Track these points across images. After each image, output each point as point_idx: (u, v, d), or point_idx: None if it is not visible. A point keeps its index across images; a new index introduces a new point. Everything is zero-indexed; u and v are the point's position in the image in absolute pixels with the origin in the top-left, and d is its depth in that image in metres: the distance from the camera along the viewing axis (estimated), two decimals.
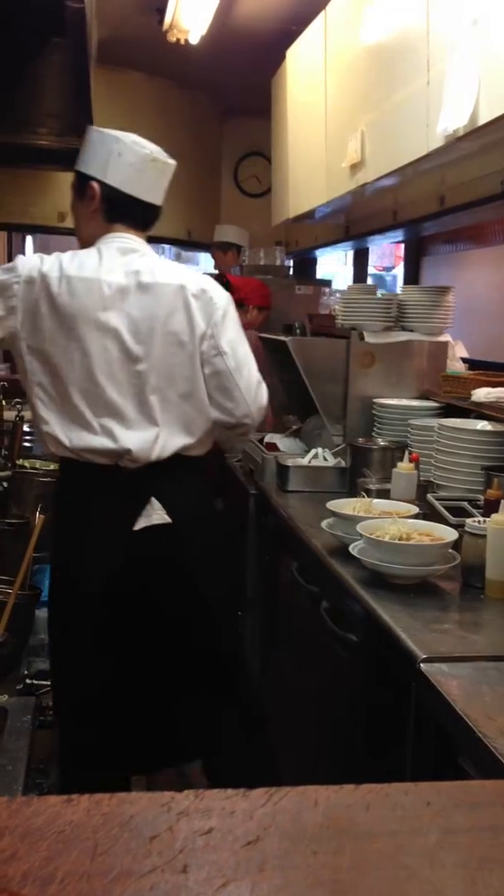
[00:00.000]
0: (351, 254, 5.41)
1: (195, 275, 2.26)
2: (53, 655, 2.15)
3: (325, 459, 3.02)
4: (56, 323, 2.09)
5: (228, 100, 5.22)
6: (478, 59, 1.95)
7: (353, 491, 2.72)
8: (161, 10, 3.73)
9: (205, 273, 2.94)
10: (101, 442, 2.10)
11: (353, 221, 4.04)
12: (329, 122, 3.26)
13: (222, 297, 2.20)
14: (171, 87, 5.12)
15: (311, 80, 3.52)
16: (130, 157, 2.15)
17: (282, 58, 3.97)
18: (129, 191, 2.16)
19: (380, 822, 0.76)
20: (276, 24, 3.92)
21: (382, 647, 1.74)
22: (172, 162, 2.23)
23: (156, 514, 2.15)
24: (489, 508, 2.07)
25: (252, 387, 2.24)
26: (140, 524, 2.13)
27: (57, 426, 2.13)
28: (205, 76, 4.80)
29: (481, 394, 2.64)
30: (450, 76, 2.09)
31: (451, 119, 2.06)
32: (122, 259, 2.14)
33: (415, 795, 0.81)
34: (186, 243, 5.39)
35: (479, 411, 2.66)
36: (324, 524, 2.28)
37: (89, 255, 2.17)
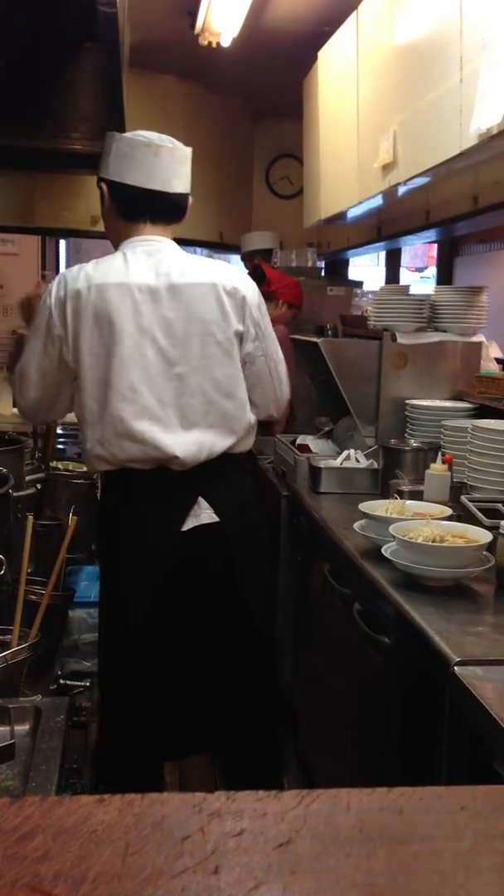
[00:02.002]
0: (383, 255, 5.38)
1: (226, 270, 2.24)
2: (102, 656, 2.14)
3: (358, 461, 3.01)
4: (94, 333, 2.07)
5: (260, 102, 5.22)
6: None
7: (385, 492, 2.70)
8: (193, 14, 3.74)
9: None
10: (144, 451, 2.09)
11: (385, 222, 4.02)
12: (361, 122, 3.25)
13: (254, 293, 2.20)
14: (202, 90, 5.13)
15: (342, 80, 3.51)
16: (126, 148, 2.15)
17: (313, 59, 3.96)
18: (131, 181, 2.14)
19: (413, 826, 0.75)
20: (308, 26, 3.91)
21: (415, 650, 1.73)
22: (175, 145, 2.18)
23: (204, 514, 2.16)
24: None
25: (283, 385, 2.29)
26: (189, 524, 2.14)
27: (100, 442, 2.11)
28: (236, 79, 4.80)
29: None
30: (483, 74, 2.07)
31: (485, 117, 2.04)
32: (149, 261, 2.12)
33: (449, 799, 0.80)
34: (218, 245, 5.39)
35: None
36: (356, 526, 2.27)
37: (114, 259, 2.15)
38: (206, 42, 3.84)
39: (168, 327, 2.08)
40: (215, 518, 2.15)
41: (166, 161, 2.14)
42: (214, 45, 3.86)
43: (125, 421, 2.07)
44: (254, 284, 2.24)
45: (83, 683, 1.92)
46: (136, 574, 2.15)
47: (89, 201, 4.80)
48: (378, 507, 2.32)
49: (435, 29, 2.45)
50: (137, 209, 2.18)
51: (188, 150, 2.22)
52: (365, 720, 2.17)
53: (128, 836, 0.71)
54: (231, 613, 2.23)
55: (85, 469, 2.99)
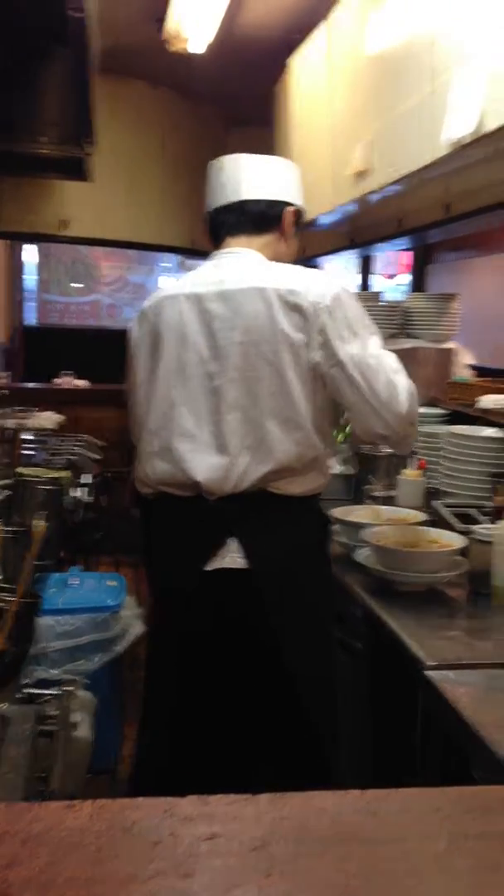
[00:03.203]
0: (356, 262, 5.41)
1: (291, 273, 1.91)
2: (145, 681, 2.03)
3: (331, 467, 3.01)
4: (148, 349, 1.96)
5: (232, 109, 5.23)
6: (483, 68, 1.95)
7: (359, 498, 2.70)
8: (163, 20, 3.73)
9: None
10: (173, 473, 1.88)
11: (358, 229, 4.03)
12: (334, 130, 3.26)
13: (324, 295, 1.85)
14: (174, 97, 5.13)
15: (315, 88, 3.52)
16: (207, 179, 2.09)
17: (285, 66, 3.97)
18: (209, 207, 2.06)
19: (387, 828, 0.74)
20: (280, 33, 3.92)
21: (389, 655, 1.73)
22: (241, 155, 2.04)
23: (229, 557, 1.84)
24: (497, 515, 2.06)
25: (378, 394, 1.85)
26: (212, 564, 1.84)
27: (139, 461, 1.97)
28: (208, 86, 4.81)
29: (488, 401, 2.63)
30: (455, 84, 2.09)
31: (457, 127, 2.05)
32: (213, 270, 1.97)
33: (423, 801, 0.79)
34: (190, 251, 5.39)
35: (486, 418, 2.65)
36: None
37: (190, 273, 2.04)
38: (175, 48, 3.84)
39: (211, 337, 1.88)
40: (240, 563, 1.83)
41: (230, 171, 2.02)
42: (184, 51, 3.86)
43: (160, 437, 1.91)
44: (336, 288, 1.88)
45: (51, 692, 1.89)
46: (163, 609, 1.97)
47: (58, 205, 4.79)
48: (352, 512, 2.32)
49: (406, 40, 2.47)
50: (216, 228, 2.04)
51: (269, 157, 2.09)
52: (339, 724, 2.17)
53: (98, 841, 0.69)
54: (265, 679, 1.87)
55: (53, 475, 2.97)
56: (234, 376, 1.85)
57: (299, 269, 1.93)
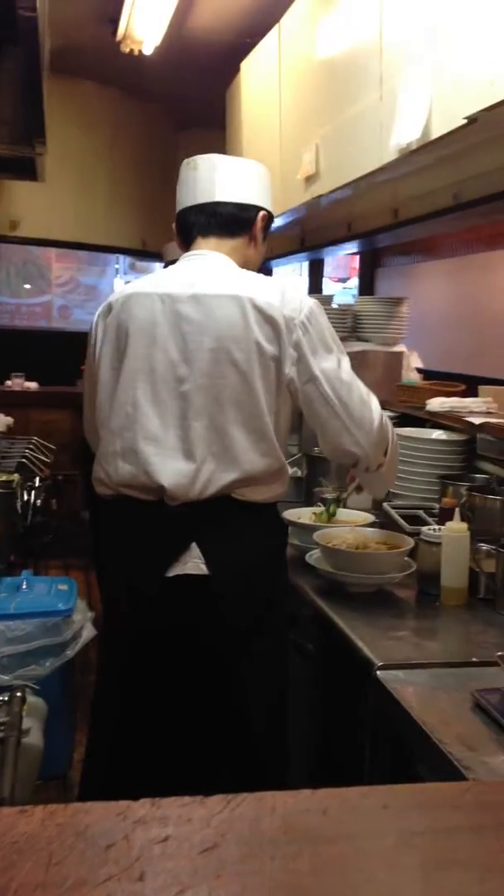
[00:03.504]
0: (306, 265, 5.44)
1: (266, 284, 1.91)
2: (98, 680, 2.01)
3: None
4: (112, 346, 1.92)
5: (183, 111, 5.22)
6: (430, 75, 1.98)
7: (309, 500, 2.72)
8: (115, 21, 3.72)
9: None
10: (135, 475, 1.85)
11: (308, 233, 4.06)
12: (284, 134, 3.29)
13: (299, 310, 1.86)
14: (125, 98, 5.12)
15: (265, 92, 3.54)
16: (179, 176, 2.06)
17: (237, 70, 3.99)
18: (181, 206, 2.03)
19: (337, 826, 0.76)
20: (231, 37, 3.94)
21: (339, 655, 1.75)
22: (218, 157, 2.03)
23: (191, 563, 1.82)
24: (444, 517, 2.09)
25: (351, 412, 1.88)
26: (173, 570, 1.82)
27: (99, 461, 1.92)
28: (159, 87, 4.80)
29: (436, 403, 2.67)
30: (402, 91, 2.12)
31: (404, 133, 2.08)
32: (185, 271, 1.95)
33: (372, 799, 0.81)
34: (141, 253, 5.38)
35: (434, 420, 2.69)
36: None
37: (158, 272, 2.03)
38: (128, 49, 3.83)
39: (182, 340, 1.85)
40: (203, 570, 1.82)
41: (205, 172, 2.00)
42: (136, 52, 3.85)
43: (122, 438, 1.87)
44: (309, 303, 1.89)
45: (1, 697, 1.87)
46: (120, 613, 1.94)
47: (7, 205, 4.74)
48: (302, 514, 2.34)
49: (356, 45, 2.50)
50: (186, 228, 2.01)
51: (243, 160, 2.07)
52: (290, 725, 2.18)
53: (51, 846, 0.69)
54: (218, 680, 1.87)
55: (3, 478, 2.94)
56: (202, 382, 1.83)
57: (273, 279, 1.96)
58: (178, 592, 1.82)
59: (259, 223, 2.01)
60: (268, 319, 1.83)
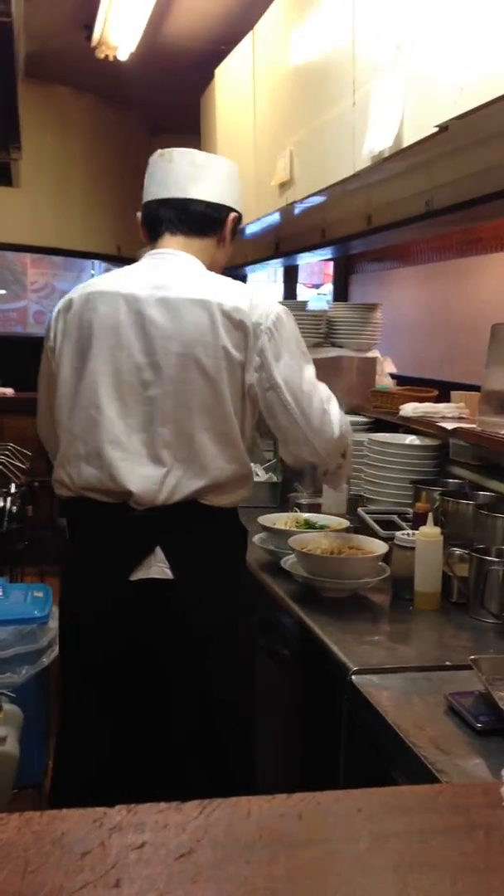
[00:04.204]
0: (281, 271, 5.46)
1: (234, 289, 1.88)
2: (62, 690, 1.97)
3: (257, 474, 3.03)
4: (76, 345, 1.87)
5: (158, 117, 5.23)
6: (402, 83, 2.00)
7: (284, 505, 2.73)
8: (89, 27, 3.72)
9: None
10: (100, 479, 1.82)
11: (282, 239, 4.08)
12: (258, 140, 3.30)
13: (264, 317, 1.83)
14: (100, 104, 5.11)
15: (239, 99, 3.56)
16: (149, 167, 2.01)
17: (211, 77, 4.00)
18: (149, 197, 1.98)
19: (312, 830, 0.76)
20: (205, 44, 3.95)
21: (314, 660, 1.75)
22: (195, 152, 1.98)
23: (156, 567, 1.81)
24: (418, 521, 2.11)
25: (310, 421, 1.88)
26: (137, 574, 1.81)
27: (61, 464, 1.88)
28: (134, 93, 4.81)
29: (409, 409, 2.69)
30: (375, 98, 2.14)
31: (377, 140, 2.10)
32: (151, 272, 1.90)
33: (346, 802, 0.82)
34: (116, 258, 5.37)
35: (408, 426, 2.71)
36: (255, 539, 2.29)
37: (122, 269, 1.97)
38: (102, 55, 3.83)
39: (147, 344, 1.81)
40: (168, 574, 1.81)
41: (181, 167, 1.95)
42: (111, 58, 3.85)
43: (85, 442, 1.83)
44: (275, 309, 1.87)
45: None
46: (80, 611, 1.91)
47: None
48: (277, 519, 2.35)
49: (328, 53, 2.52)
50: (154, 221, 1.96)
51: (217, 158, 2.03)
52: (265, 729, 2.19)
53: (27, 853, 0.70)
54: (179, 686, 1.86)
55: None
56: (169, 388, 1.80)
57: (241, 284, 1.93)
58: (143, 597, 1.81)
59: (229, 224, 1.99)
60: (236, 325, 1.81)
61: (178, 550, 1.82)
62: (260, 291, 1.95)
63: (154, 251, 1.95)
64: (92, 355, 1.83)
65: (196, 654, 1.84)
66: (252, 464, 2.88)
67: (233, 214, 1.99)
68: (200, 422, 1.81)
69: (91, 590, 1.87)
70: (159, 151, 1.98)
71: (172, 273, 1.88)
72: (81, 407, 1.84)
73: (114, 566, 1.83)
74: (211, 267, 1.96)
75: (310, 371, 1.91)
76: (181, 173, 1.94)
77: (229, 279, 1.94)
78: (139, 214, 2.01)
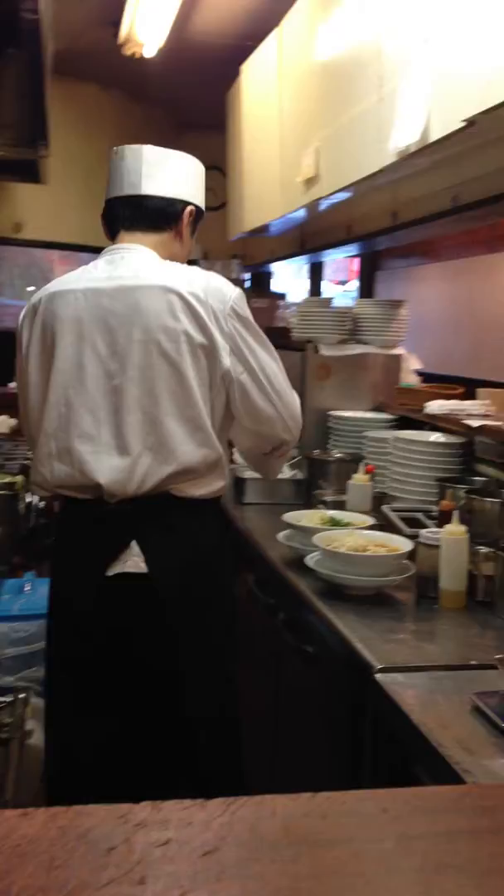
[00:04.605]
0: (307, 267, 5.45)
1: (193, 275, 1.91)
2: (46, 684, 2.01)
3: (282, 472, 3.03)
4: (40, 347, 1.91)
5: (184, 114, 5.23)
6: (429, 77, 1.99)
7: (309, 503, 2.73)
8: (117, 24, 3.73)
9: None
10: (71, 475, 1.85)
11: (308, 235, 4.07)
12: (284, 137, 3.29)
13: (226, 300, 1.87)
14: (126, 101, 5.12)
15: (265, 95, 3.55)
16: (109, 166, 2.04)
17: (237, 73, 3.99)
18: (108, 195, 2.02)
19: (337, 830, 0.76)
20: (232, 40, 3.94)
21: (338, 658, 1.75)
22: (144, 147, 2.00)
23: (131, 561, 1.84)
24: (443, 519, 2.09)
25: (284, 400, 1.93)
26: (114, 569, 1.83)
27: (35, 465, 1.93)
28: (161, 90, 4.81)
29: (434, 406, 2.67)
30: (402, 93, 2.13)
31: (403, 136, 2.09)
32: (106, 266, 1.93)
33: (371, 802, 0.81)
34: None
35: (433, 423, 2.70)
36: (280, 536, 2.29)
37: (81, 267, 1.99)
38: (130, 52, 3.83)
39: (109, 334, 1.84)
40: (142, 568, 1.82)
41: (131, 162, 1.97)
42: (138, 55, 3.86)
43: (57, 439, 1.86)
44: (234, 292, 1.90)
45: (5, 699, 1.88)
46: (61, 614, 1.95)
47: (11, 208, 4.74)
48: (302, 517, 2.34)
49: (355, 48, 2.50)
50: (111, 219, 2.01)
51: (172, 153, 2.02)
52: (289, 728, 2.19)
53: (52, 849, 0.70)
54: (155, 681, 1.88)
55: (7, 480, 2.95)
56: (133, 375, 1.82)
57: (197, 269, 1.95)
58: (118, 591, 1.83)
59: (185, 218, 2.01)
60: (193, 309, 1.83)
61: (152, 544, 1.84)
62: (216, 275, 1.96)
63: (111, 247, 1.99)
64: (57, 354, 1.86)
65: (169, 650, 1.86)
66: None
67: (189, 208, 2.01)
68: (167, 407, 1.82)
69: (72, 586, 1.90)
70: (114, 149, 2.02)
71: (129, 264, 1.91)
72: (52, 406, 1.87)
73: (92, 561, 1.85)
74: (170, 260, 1.98)
75: (272, 350, 1.95)
76: (133, 171, 1.97)
77: (186, 266, 1.96)
78: (101, 216, 2.05)
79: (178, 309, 1.82)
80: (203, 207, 2.08)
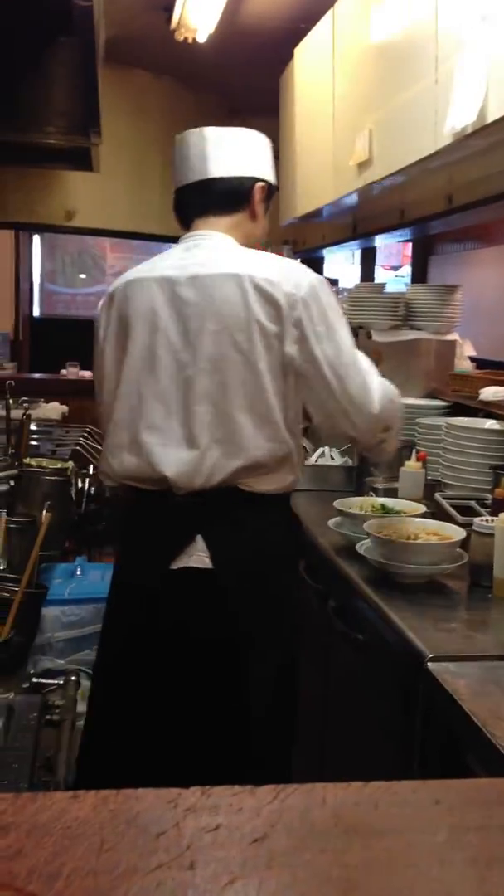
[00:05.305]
0: (359, 253, 5.40)
1: (267, 262, 1.85)
2: (95, 671, 1.99)
3: (332, 458, 3.02)
4: (115, 336, 1.89)
5: (237, 99, 5.21)
6: (486, 57, 1.94)
7: (360, 490, 2.71)
8: (169, 9, 3.72)
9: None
10: (140, 467, 1.82)
11: (360, 220, 4.03)
12: (336, 120, 3.26)
13: (299, 286, 1.79)
14: (178, 87, 5.12)
15: (318, 78, 3.51)
16: (173, 156, 1.99)
17: (290, 56, 3.96)
18: (175, 185, 1.98)
19: (388, 820, 0.75)
20: (285, 23, 3.91)
21: (389, 646, 1.74)
22: (206, 128, 1.93)
23: (196, 556, 1.80)
24: (497, 507, 2.06)
25: (349, 394, 1.81)
26: (178, 563, 1.80)
27: (105, 455, 1.91)
28: (212, 75, 4.79)
29: (489, 393, 2.63)
30: (458, 74, 2.08)
31: (460, 117, 2.05)
32: (183, 254, 1.89)
33: (423, 793, 0.80)
34: None
35: (487, 410, 2.66)
36: (331, 523, 2.27)
37: (158, 256, 1.96)
38: (182, 37, 3.83)
39: (183, 324, 1.80)
40: (207, 563, 1.79)
41: (195, 147, 1.91)
42: (191, 40, 3.85)
43: (128, 430, 1.84)
44: (313, 279, 1.83)
45: (56, 681, 1.90)
46: (121, 606, 1.93)
47: (63, 196, 4.79)
48: (353, 504, 2.33)
49: (410, 29, 2.46)
50: (183, 208, 1.96)
51: (232, 130, 1.95)
52: (339, 716, 2.18)
53: (102, 832, 0.70)
54: (216, 678, 1.83)
55: (59, 466, 2.98)
56: (205, 366, 1.78)
57: (274, 256, 1.90)
58: (182, 586, 1.80)
59: (257, 195, 1.94)
60: (269, 297, 1.77)
61: (218, 539, 1.80)
62: (295, 263, 1.91)
63: (187, 235, 1.95)
64: (131, 344, 1.84)
65: (231, 650, 1.82)
66: (328, 448, 2.82)
67: (259, 184, 1.94)
68: (237, 399, 1.78)
69: (136, 576, 1.89)
70: (176, 137, 1.96)
71: (204, 252, 1.87)
72: (124, 397, 1.85)
73: (156, 554, 1.83)
74: (247, 242, 1.93)
75: (348, 342, 1.84)
76: (197, 155, 1.91)
77: (263, 252, 1.91)
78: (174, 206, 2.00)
79: (251, 298, 1.77)
80: (274, 182, 2.01)
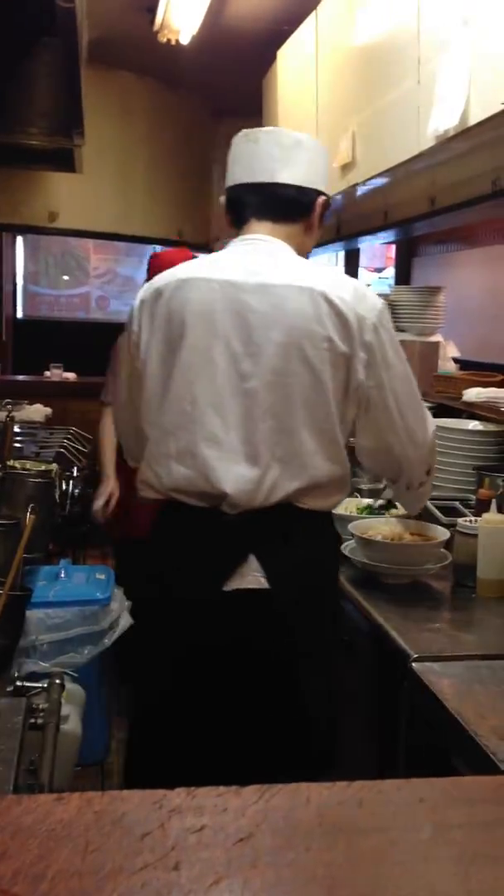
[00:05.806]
0: (342, 255, 5.41)
1: (338, 279, 1.78)
2: (138, 691, 1.90)
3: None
4: (165, 335, 1.75)
5: (220, 100, 5.21)
6: (468, 60, 1.95)
7: None
8: (152, 10, 3.72)
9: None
10: (191, 480, 1.70)
11: (344, 222, 4.04)
12: (320, 122, 3.27)
13: (373, 310, 1.72)
14: (161, 88, 5.11)
15: (301, 80, 3.52)
16: (232, 148, 1.87)
17: (273, 58, 3.97)
18: (233, 181, 1.85)
19: (373, 819, 0.76)
20: (268, 25, 3.92)
21: (374, 647, 1.74)
22: (280, 130, 1.87)
23: (251, 576, 1.70)
24: (481, 508, 2.07)
25: (408, 425, 1.77)
26: (231, 584, 1.70)
27: (149, 463, 1.77)
28: (196, 76, 4.79)
29: (472, 394, 2.64)
30: (440, 76, 2.10)
31: (442, 119, 2.06)
32: (244, 258, 1.77)
33: (407, 792, 0.81)
34: (177, 243, 5.38)
35: (471, 411, 2.67)
36: None
37: (211, 255, 1.87)
38: (165, 39, 3.83)
39: (246, 333, 1.69)
40: (263, 584, 1.69)
41: (267, 148, 1.80)
42: (174, 42, 3.85)
43: (178, 438, 1.71)
44: (381, 302, 1.76)
45: (40, 685, 1.89)
46: (167, 632, 1.81)
47: (46, 197, 4.77)
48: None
49: (393, 31, 2.47)
50: (240, 207, 1.84)
51: (304, 138, 1.87)
52: None
53: (87, 833, 0.70)
54: (278, 697, 1.75)
55: (43, 468, 2.97)
56: (270, 379, 1.68)
57: (341, 273, 1.84)
58: (237, 608, 1.71)
59: (318, 209, 1.86)
60: (340, 316, 1.68)
61: (273, 558, 1.71)
62: (362, 283, 1.83)
63: (243, 237, 1.83)
64: (184, 346, 1.72)
65: (291, 664, 1.75)
66: None
67: (321, 198, 1.86)
68: (302, 417, 1.68)
69: (181, 598, 1.77)
70: (244, 132, 1.86)
71: (268, 259, 1.77)
72: (173, 401, 1.72)
73: (206, 575, 1.72)
74: (299, 254, 1.86)
75: (411, 374, 1.81)
76: (267, 156, 1.81)
77: (330, 268, 1.87)
78: (222, 199, 1.90)
79: (324, 314, 1.68)
80: (330, 197, 1.95)
